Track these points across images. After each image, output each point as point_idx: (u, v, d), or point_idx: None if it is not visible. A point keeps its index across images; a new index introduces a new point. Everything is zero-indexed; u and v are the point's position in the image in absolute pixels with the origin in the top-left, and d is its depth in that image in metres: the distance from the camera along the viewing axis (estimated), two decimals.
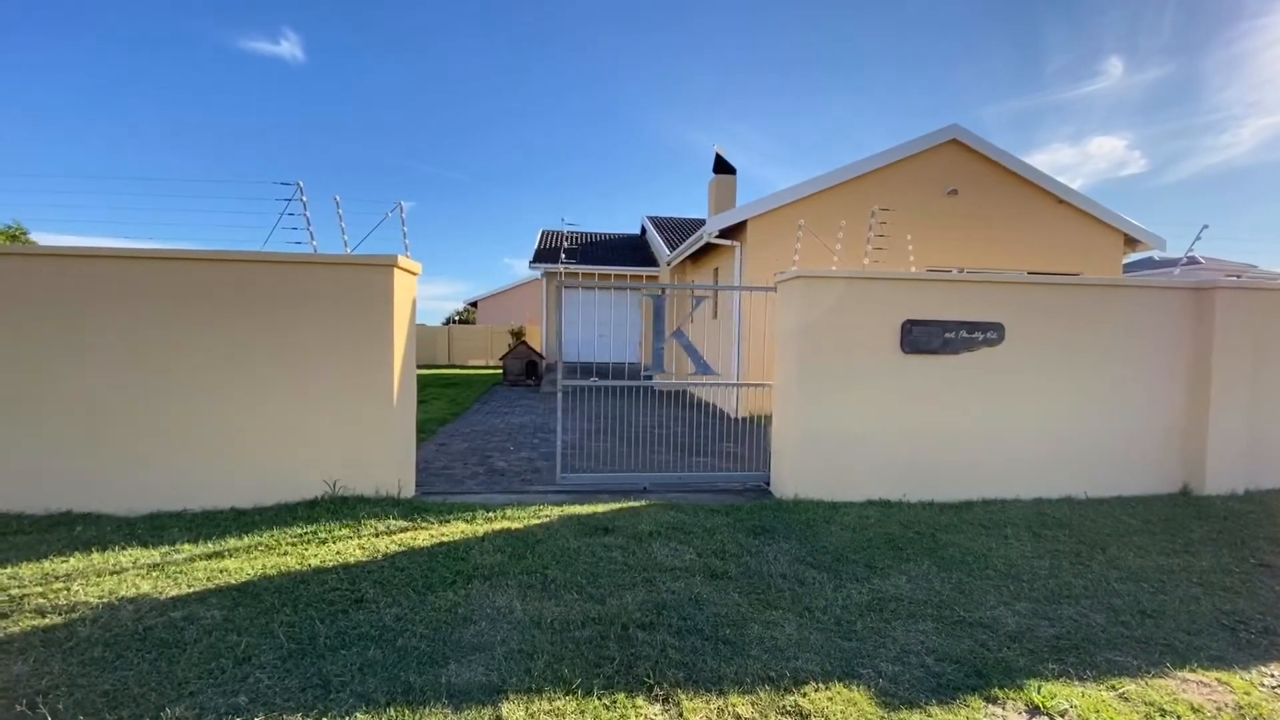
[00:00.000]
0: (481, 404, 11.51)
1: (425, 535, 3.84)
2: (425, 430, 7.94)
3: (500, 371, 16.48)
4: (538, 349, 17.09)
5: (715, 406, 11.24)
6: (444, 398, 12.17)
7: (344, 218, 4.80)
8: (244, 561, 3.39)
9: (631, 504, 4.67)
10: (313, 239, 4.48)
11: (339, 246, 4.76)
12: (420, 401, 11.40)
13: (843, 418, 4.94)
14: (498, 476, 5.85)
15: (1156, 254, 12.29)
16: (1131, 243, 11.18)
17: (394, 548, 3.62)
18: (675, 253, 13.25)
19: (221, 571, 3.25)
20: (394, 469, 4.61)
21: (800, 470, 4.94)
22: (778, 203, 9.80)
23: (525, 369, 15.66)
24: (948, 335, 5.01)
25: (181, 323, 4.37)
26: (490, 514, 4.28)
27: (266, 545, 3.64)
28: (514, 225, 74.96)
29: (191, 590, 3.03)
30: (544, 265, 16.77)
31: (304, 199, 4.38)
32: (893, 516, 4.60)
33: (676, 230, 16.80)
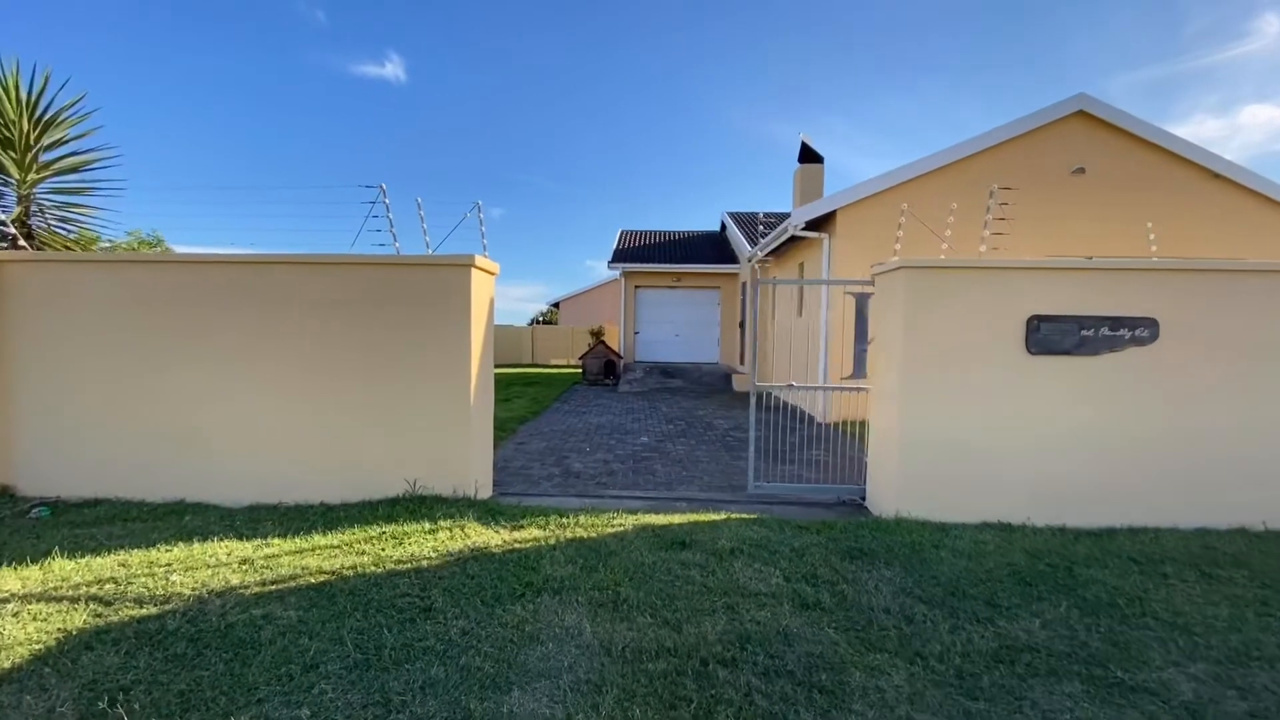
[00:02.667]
0: (560, 403, 11.59)
1: (498, 540, 3.73)
2: (505, 429, 8.02)
3: (580, 371, 16.64)
4: (616, 349, 17.09)
5: (799, 410, 10.63)
6: (525, 396, 12.38)
7: (425, 220, 4.84)
8: (324, 559, 3.43)
9: (711, 516, 4.35)
10: (395, 240, 4.54)
11: (421, 249, 4.81)
12: (503, 400, 11.68)
13: (954, 427, 4.35)
14: (573, 479, 5.72)
15: None
16: None
17: (467, 552, 3.53)
18: (757, 247, 12.71)
19: (303, 569, 3.29)
20: (471, 469, 4.58)
21: (903, 486, 4.41)
22: (870, 190, 9.08)
23: (604, 368, 15.68)
24: (1085, 333, 4.29)
25: (272, 325, 4.56)
26: (564, 520, 4.12)
27: (346, 544, 3.67)
28: (596, 227, 76.53)
29: (274, 588, 3.07)
30: (622, 265, 16.73)
31: (386, 200, 4.44)
32: (1015, 544, 3.98)
33: (758, 225, 16.18)
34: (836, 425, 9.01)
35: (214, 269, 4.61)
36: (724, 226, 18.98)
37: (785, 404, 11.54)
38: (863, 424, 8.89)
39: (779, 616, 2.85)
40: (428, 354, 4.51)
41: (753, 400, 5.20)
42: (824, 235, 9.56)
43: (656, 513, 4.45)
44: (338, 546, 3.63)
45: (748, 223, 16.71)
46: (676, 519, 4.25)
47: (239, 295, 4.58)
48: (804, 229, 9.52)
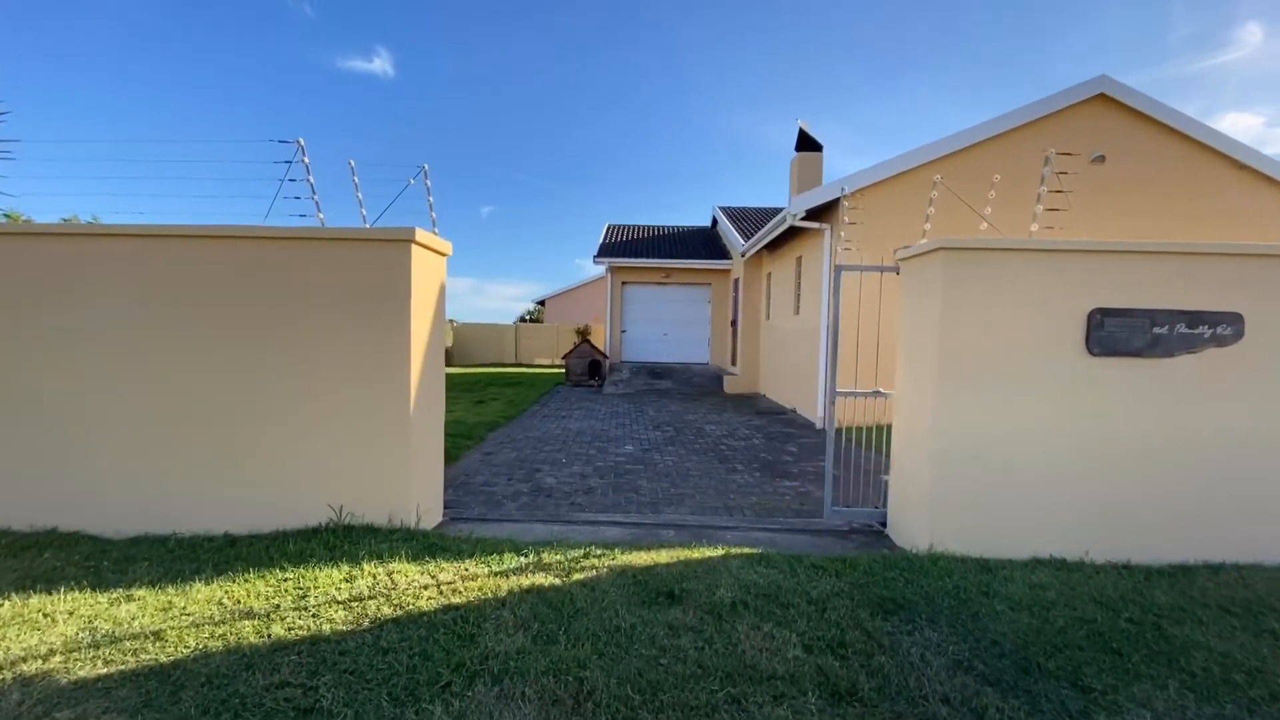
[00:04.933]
0: (540, 406, 10.74)
1: (432, 592, 2.90)
2: (473, 436, 7.17)
3: (563, 371, 15.80)
4: (602, 348, 16.26)
5: (794, 414, 9.88)
6: (502, 398, 11.51)
7: (369, 191, 3.98)
8: (191, 624, 2.57)
9: (705, 552, 3.55)
10: (319, 211, 3.68)
11: (360, 225, 3.96)
12: (476, 402, 10.80)
13: (999, 443, 3.59)
14: (543, 498, 4.90)
15: None
16: None
17: (386, 610, 2.69)
18: (751, 241, 11.96)
19: (156, 639, 2.43)
20: (411, 491, 3.74)
21: (937, 513, 3.64)
22: (876, 177, 8.34)
23: (588, 369, 14.85)
24: (1157, 330, 3.55)
25: (166, 316, 3.68)
26: (522, 558, 3.30)
27: (231, 599, 2.82)
28: (585, 225, 75.52)
29: (105, 672, 2.22)
30: (609, 259, 15.89)
31: (305, 160, 3.58)
32: (1079, 588, 3.23)
33: (750, 220, 15.43)
34: (838, 431, 8.26)
35: (86, 244, 3.71)
36: (715, 222, 18.22)
37: (776, 406, 10.76)
38: (868, 431, 8.18)
39: (803, 716, 2.05)
40: (358, 352, 3.65)
41: (829, 409, 4.34)
42: (825, 226, 8.81)
43: (639, 546, 3.64)
44: (218, 603, 2.77)
45: (740, 217, 15.95)
46: (663, 556, 3.44)
47: (122, 279, 3.70)
48: (804, 219, 8.77)
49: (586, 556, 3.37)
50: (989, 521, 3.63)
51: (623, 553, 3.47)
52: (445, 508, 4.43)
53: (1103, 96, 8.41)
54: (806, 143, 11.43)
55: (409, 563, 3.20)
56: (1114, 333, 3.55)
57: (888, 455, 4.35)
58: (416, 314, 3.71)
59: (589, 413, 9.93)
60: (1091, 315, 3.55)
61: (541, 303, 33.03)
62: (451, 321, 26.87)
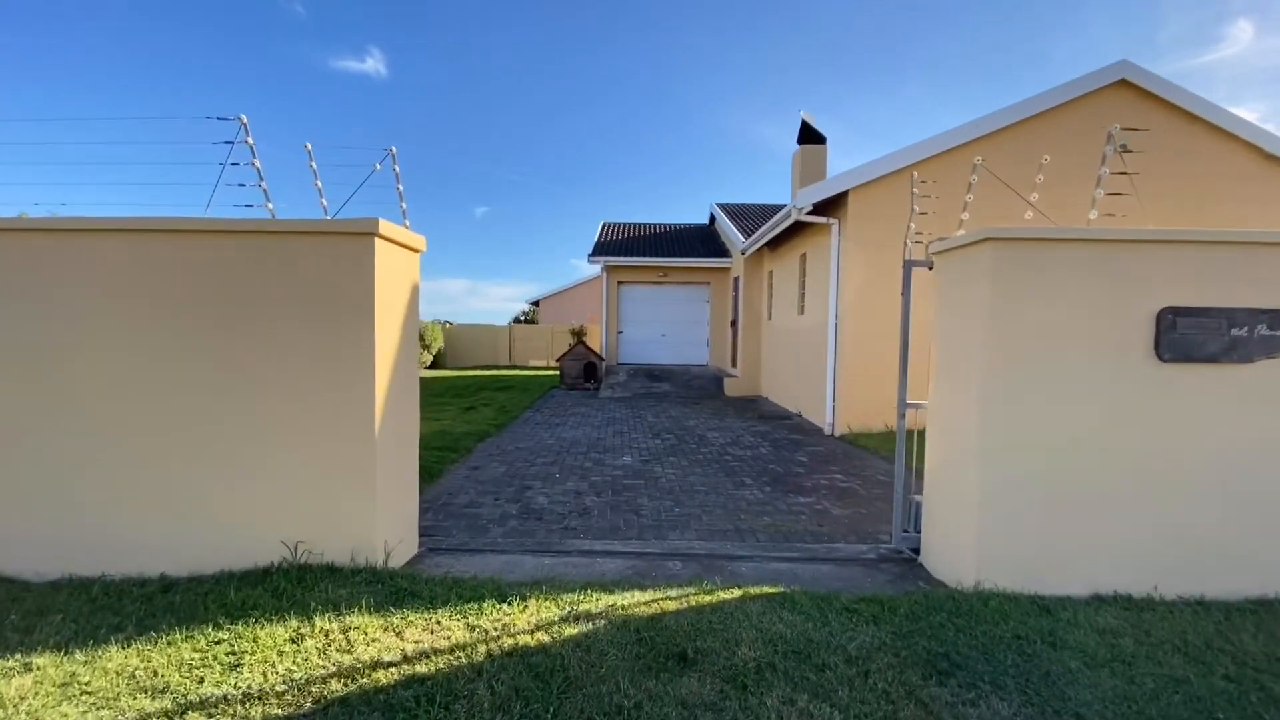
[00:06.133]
0: (533, 412, 10.24)
1: (394, 655, 2.40)
2: (459, 449, 6.66)
3: (559, 374, 15.30)
4: (597, 349, 15.77)
5: (800, 418, 9.41)
6: (494, 404, 11.00)
7: (340, 179, 3.48)
8: (91, 706, 2.07)
9: (719, 594, 3.06)
10: (268, 200, 3.17)
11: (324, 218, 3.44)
12: (467, 409, 10.28)
13: (1057, 460, 3.12)
14: (533, 522, 4.41)
15: None
16: None
17: (335, 687, 2.20)
18: (753, 238, 11.49)
19: None
20: (378, 523, 3.24)
21: (985, 542, 3.17)
22: (887, 168, 7.88)
23: (584, 371, 14.35)
24: (1236, 332, 3.09)
25: (96, 323, 3.17)
26: (505, 609, 2.80)
27: (148, 668, 2.31)
28: (582, 225, 74.75)
29: None
30: (604, 258, 15.39)
31: (249, 140, 3.07)
32: (1155, 633, 2.76)
33: (750, 217, 14.95)
34: (845, 438, 7.80)
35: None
36: (713, 219, 17.74)
37: (781, 411, 10.26)
38: (879, 435, 7.72)
39: None
40: (314, 363, 3.15)
41: (900, 422, 3.80)
42: (832, 221, 8.34)
43: (641, 584, 3.16)
44: (130, 676, 2.27)
45: (738, 214, 15.48)
46: (671, 599, 2.95)
47: (45, 280, 3.18)
48: (810, 213, 8.29)
49: (581, 601, 2.88)
50: (1044, 551, 3.17)
51: (623, 594, 2.98)
52: (422, 536, 3.94)
53: (1124, 82, 7.98)
54: (809, 135, 10.96)
55: (370, 614, 2.70)
56: (1187, 335, 3.08)
57: (919, 474, 3.87)
58: (382, 317, 3.21)
59: (584, 419, 9.44)
60: (1162, 315, 3.08)
61: (536, 303, 32.49)
62: (446, 323, 26.32)
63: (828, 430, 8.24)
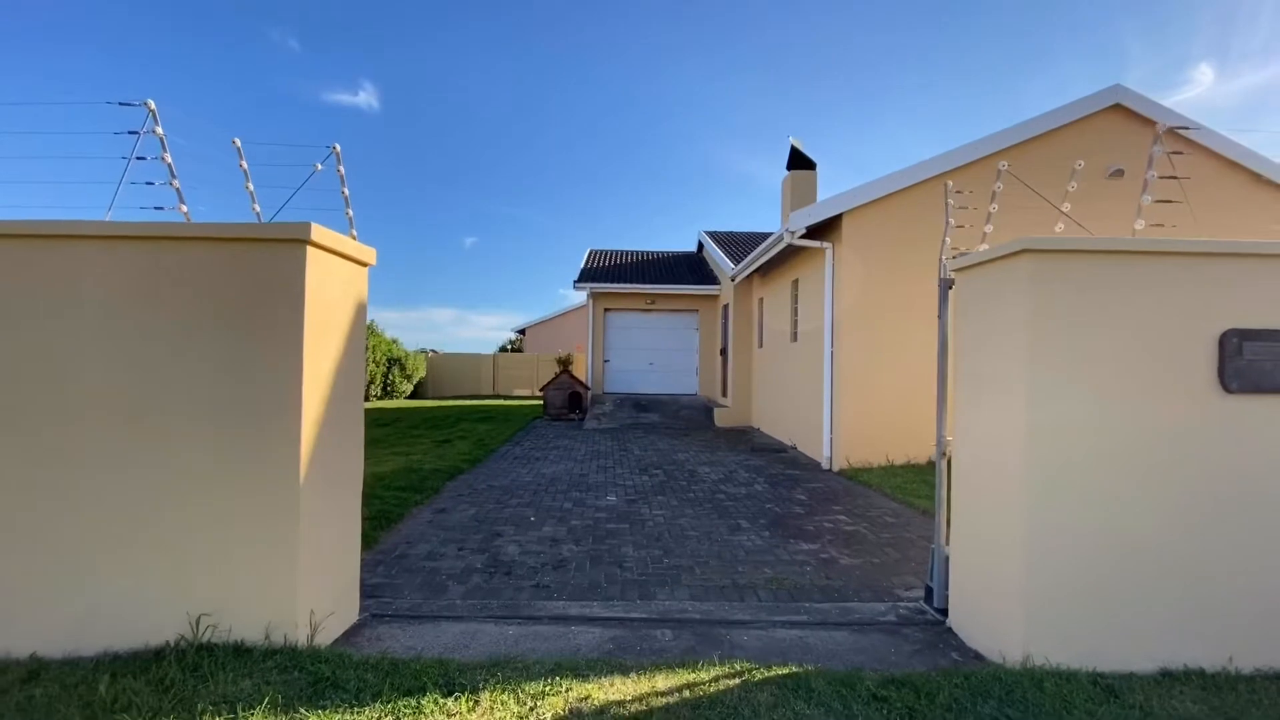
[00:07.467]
0: (512, 445, 9.63)
1: None
2: (425, 488, 6.05)
3: (542, 404, 14.71)
4: (583, 379, 15.23)
5: (794, 451, 8.90)
6: (472, 436, 10.37)
7: (270, 179, 2.99)
8: None
9: (720, 678, 2.51)
10: (181, 202, 2.68)
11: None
12: (442, 442, 9.64)
13: (1115, 510, 2.65)
14: (500, 577, 3.82)
15: None
16: None
17: None
18: (743, 264, 11.17)
19: None
20: (301, 590, 2.65)
21: (1036, 606, 2.66)
22: (882, 190, 7.59)
23: (568, 401, 13.78)
24: None
25: None
26: (451, 705, 2.23)
27: None
28: (566, 254, 74.86)
29: None
30: (590, 285, 14.99)
31: (158, 130, 2.60)
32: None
33: (738, 244, 14.71)
34: (845, 473, 7.29)
35: None
36: (700, 246, 17.51)
37: (774, 444, 9.73)
38: (881, 470, 7.23)
39: None
40: (226, 393, 2.61)
41: (939, 462, 3.17)
42: (826, 245, 8.01)
43: (624, 665, 2.59)
44: None
45: (727, 241, 15.24)
46: (659, 689, 2.39)
47: None
48: (804, 237, 7.96)
49: (548, 693, 2.31)
50: (1102, 616, 2.67)
51: (601, 681, 2.41)
52: (367, 597, 3.35)
53: (1118, 106, 7.85)
54: (799, 160, 10.76)
55: (273, 719, 2.11)
56: (1256, 362, 2.66)
57: (948, 523, 3.37)
58: (315, 339, 2.69)
59: (567, 453, 8.85)
60: (1226, 339, 2.66)
61: (522, 332, 31.94)
62: (431, 351, 25.68)
63: (825, 465, 7.74)
